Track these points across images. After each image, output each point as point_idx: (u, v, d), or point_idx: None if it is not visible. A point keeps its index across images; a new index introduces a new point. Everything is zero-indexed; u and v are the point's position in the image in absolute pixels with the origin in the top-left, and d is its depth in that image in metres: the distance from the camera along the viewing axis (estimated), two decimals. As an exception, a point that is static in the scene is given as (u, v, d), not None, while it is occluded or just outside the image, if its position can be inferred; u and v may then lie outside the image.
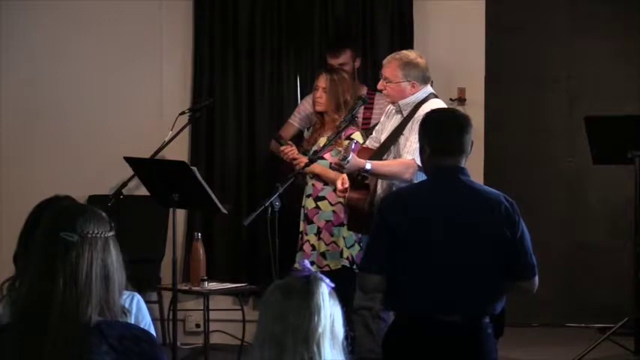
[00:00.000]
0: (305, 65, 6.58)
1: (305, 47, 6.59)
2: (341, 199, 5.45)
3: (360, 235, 5.46)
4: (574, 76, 7.08)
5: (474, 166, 6.00)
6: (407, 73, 4.94)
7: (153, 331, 2.93)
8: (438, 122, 3.80)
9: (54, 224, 2.45)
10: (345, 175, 5.03)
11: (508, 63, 7.03)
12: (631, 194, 6.03)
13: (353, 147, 4.70)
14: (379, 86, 5.06)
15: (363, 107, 5.69)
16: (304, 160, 5.44)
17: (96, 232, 2.45)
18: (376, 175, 4.86)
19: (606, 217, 7.01)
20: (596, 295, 6.92)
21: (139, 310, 2.98)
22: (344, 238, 5.55)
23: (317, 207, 5.66)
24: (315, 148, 5.62)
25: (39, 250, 2.45)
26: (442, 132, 3.72)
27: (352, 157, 4.67)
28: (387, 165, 4.87)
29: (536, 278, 3.66)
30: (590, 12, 7.04)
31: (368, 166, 4.74)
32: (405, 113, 4.98)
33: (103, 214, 2.53)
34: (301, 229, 5.73)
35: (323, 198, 5.66)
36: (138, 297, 3.01)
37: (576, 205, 7.09)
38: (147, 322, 3.02)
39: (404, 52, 5.10)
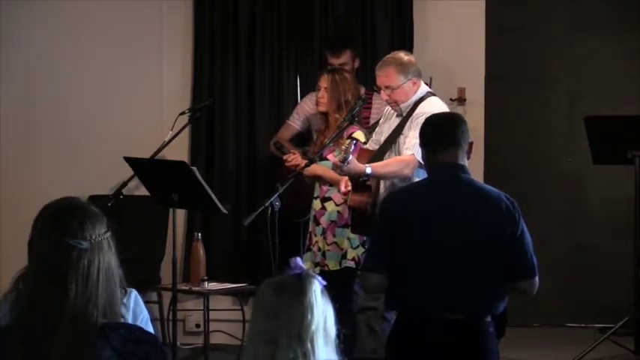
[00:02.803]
0: (305, 65, 6.58)
1: (305, 47, 6.59)
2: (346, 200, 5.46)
3: (365, 237, 5.46)
4: (574, 76, 7.08)
5: (474, 166, 6.00)
6: (406, 73, 4.97)
7: (150, 327, 2.95)
8: (431, 119, 3.91)
9: (61, 228, 2.44)
10: (347, 178, 5.03)
11: (508, 63, 7.03)
12: (631, 194, 6.03)
13: (353, 148, 4.70)
14: (383, 98, 5.07)
15: (362, 107, 5.69)
16: (305, 161, 5.43)
17: (101, 234, 2.46)
18: (377, 177, 4.87)
19: (606, 217, 7.01)
20: (596, 295, 6.93)
21: (136, 305, 3.00)
22: (349, 239, 5.52)
23: (323, 208, 5.65)
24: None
25: (46, 255, 2.42)
26: (434, 125, 3.80)
27: (352, 160, 4.67)
28: (385, 165, 4.88)
29: (537, 279, 3.66)
30: (590, 12, 7.04)
31: (368, 170, 4.76)
32: (405, 114, 5.00)
33: (100, 212, 2.53)
34: (310, 229, 5.73)
35: (329, 199, 5.65)
36: (135, 292, 3.03)
37: (576, 205, 7.09)
38: (144, 317, 3.04)
39: (391, 56, 5.09)
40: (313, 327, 2.38)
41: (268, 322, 2.39)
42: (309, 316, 2.39)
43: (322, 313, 2.41)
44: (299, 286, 2.42)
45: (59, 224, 2.46)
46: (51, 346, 2.37)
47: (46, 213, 2.52)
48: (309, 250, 5.68)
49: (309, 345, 2.37)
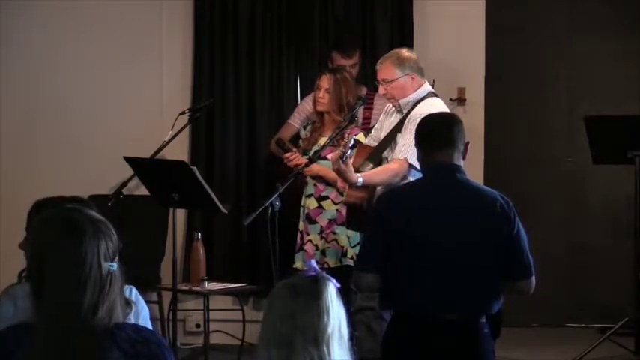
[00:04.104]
0: (305, 65, 6.59)
1: (305, 47, 6.59)
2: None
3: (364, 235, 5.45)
4: (574, 76, 7.08)
5: (474, 166, 6.03)
6: (402, 67, 4.97)
7: (150, 324, 2.96)
8: (427, 119, 3.90)
9: (98, 251, 2.40)
10: None
11: (508, 63, 7.03)
12: (631, 194, 6.03)
13: (352, 144, 4.69)
14: (380, 92, 5.07)
15: (362, 107, 5.69)
16: (305, 160, 5.43)
17: (118, 245, 2.45)
18: (369, 185, 4.85)
19: (606, 217, 7.01)
20: (596, 295, 6.93)
21: (137, 301, 3.03)
22: (348, 237, 5.53)
23: (320, 207, 5.65)
24: (315, 148, 5.62)
25: (81, 275, 2.39)
26: (430, 126, 3.80)
27: (349, 164, 4.65)
28: (376, 174, 4.87)
29: (533, 278, 3.66)
30: (590, 12, 7.04)
31: (360, 180, 4.74)
32: (405, 111, 5.00)
33: (106, 221, 2.51)
34: (301, 228, 5.72)
35: (326, 198, 5.65)
36: (134, 289, 3.04)
37: (576, 205, 7.09)
38: (145, 313, 3.07)
39: (392, 51, 5.14)
40: (329, 330, 2.37)
41: (283, 325, 2.37)
42: (326, 319, 2.37)
43: (337, 316, 2.40)
44: (315, 288, 2.40)
45: (91, 246, 2.40)
46: (65, 349, 2.36)
47: (66, 229, 2.43)
48: (301, 249, 5.68)
49: (325, 348, 2.36)
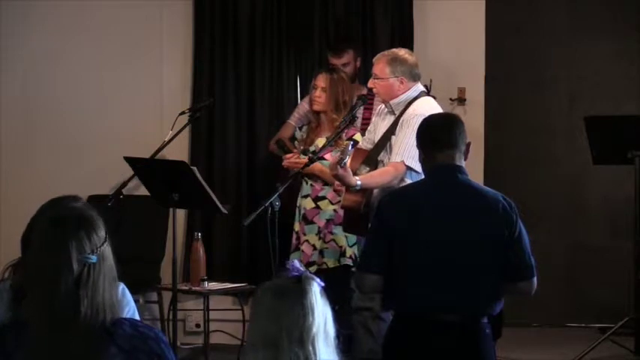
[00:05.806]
0: (305, 65, 6.59)
1: (305, 47, 6.59)
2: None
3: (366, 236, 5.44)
4: (574, 76, 7.09)
5: (473, 166, 6.02)
6: (394, 69, 4.97)
7: (138, 317, 2.96)
8: (428, 120, 3.89)
9: (68, 243, 2.41)
10: None
11: (508, 63, 7.04)
12: (631, 194, 6.04)
13: (350, 149, 4.67)
14: (369, 84, 5.09)
15: (362, 107, 5.69)
16: (304, 160, 5.44)
17: (103, 241, 2.45)
18: (366, 188, 4.84)
19: (606, 217, 7.01)
20: (596, 295, 6.93)
21: (123, 297, 3.03)
22: (346, 236, 5.53)
23: (317, 207, 5.65)
24: (313, 148, 5.62)
25: (51, 269, 2.40)
26: (431, 126, 3.79)
27: (347, 168, 4.62)
28: (373, 178, 4.84)
29: (535, 279, 3.66)
30: (590, 12, 7.05)
31: (358, 183, 4.72)
32: (397, 113, 4.99)
33: (96, 214, 2.51)
34: (297, 229, 5.71)
35: (323, 198, 5.65)
36: (122, 285, 3.04)
37: (576, 205, 7.09)
38: (131, 308, 3.07)
39: (393, 49, 5.13)
40: (314, 329, 2.38)
41: (269, 326, 2.38)
42: (311, 318, 2.38)
43: (322, 315, 2.41)
44: (299, 288, 2.41)
45: (65, 239, 2.42)
46: (58, 347, 2.36)
47: (48, 223, 2.48)
48: (297, 249, 5.67)
49: (310, 347, 2.37)
